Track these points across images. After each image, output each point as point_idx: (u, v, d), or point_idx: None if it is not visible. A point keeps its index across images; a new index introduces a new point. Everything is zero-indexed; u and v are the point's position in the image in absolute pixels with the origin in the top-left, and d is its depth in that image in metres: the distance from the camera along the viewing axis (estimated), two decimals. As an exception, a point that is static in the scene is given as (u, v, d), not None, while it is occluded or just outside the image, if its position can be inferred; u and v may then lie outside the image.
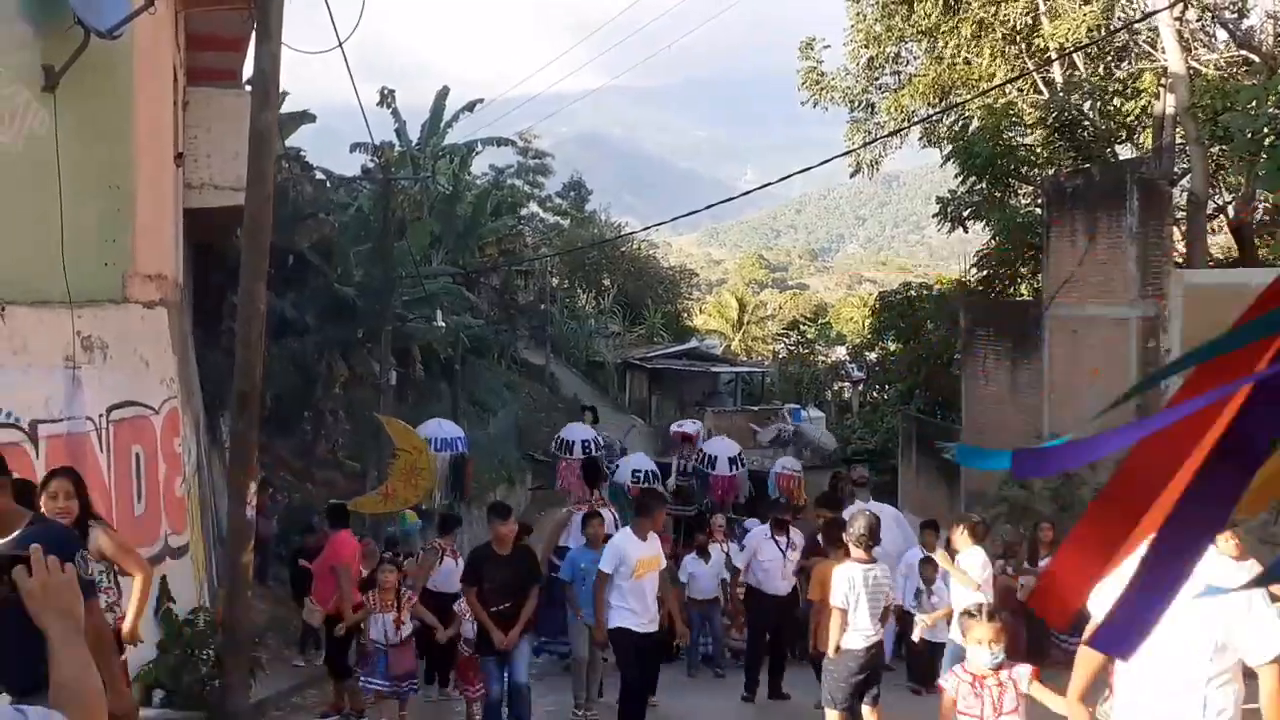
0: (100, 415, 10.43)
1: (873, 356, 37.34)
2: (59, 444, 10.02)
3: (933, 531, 13.66)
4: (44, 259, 9.91)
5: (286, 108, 20.62)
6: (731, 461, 22.32)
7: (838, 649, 9.44)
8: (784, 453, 30.42)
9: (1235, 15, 22.91)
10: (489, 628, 10.32)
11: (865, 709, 9.56)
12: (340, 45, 11.69)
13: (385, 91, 26.52)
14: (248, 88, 12.28)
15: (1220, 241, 22.16)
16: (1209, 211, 20.71)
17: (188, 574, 10.89)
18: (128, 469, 10.62)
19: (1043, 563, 13.83)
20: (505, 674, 10.66)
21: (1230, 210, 21.03)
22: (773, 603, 13.79)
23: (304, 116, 23.69)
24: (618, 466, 21.27)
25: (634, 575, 10.59)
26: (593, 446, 22.01)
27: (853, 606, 9.29)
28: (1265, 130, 17.55)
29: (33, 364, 9.98)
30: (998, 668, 6.55)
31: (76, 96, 10.24)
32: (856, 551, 9.49)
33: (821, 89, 25.65)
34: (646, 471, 20.90)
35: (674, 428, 30.31)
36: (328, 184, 24.73)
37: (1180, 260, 18.78)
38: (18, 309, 9.86)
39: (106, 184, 10.64)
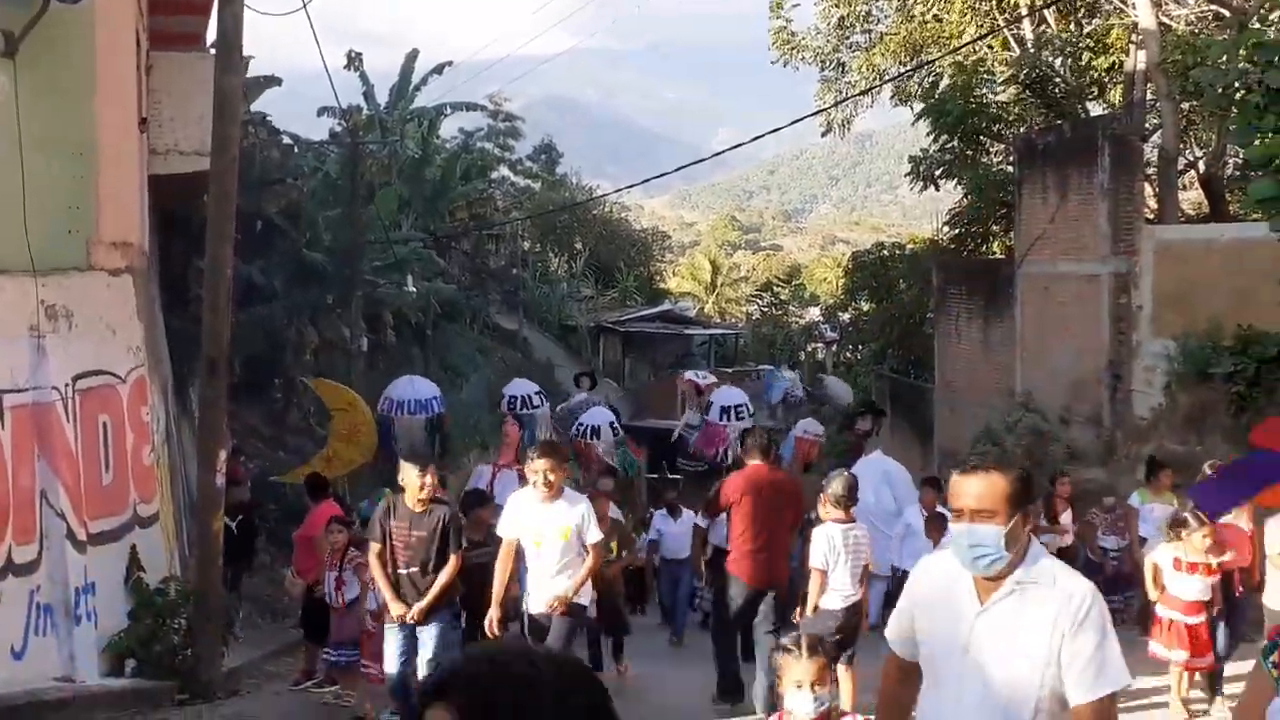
0: (66, 384, 10.36)
1: (846, 317, 37.43)
2: (24, 414, 9.95)
3: (933, 488, 12.59)
4: (6, 227, 9.82)
5: (252, 72, 20.45)
6: (724, 411, 20.73)
7: (815, 609, 9.34)
8: (800, 414, 28.24)
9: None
10: (388, 595, 8.82)
11: (840, 669, 9.04)
12: (304, 7, 11.59)
13: (352, 54, 26.34)
14: (212, 51, 12.13)
15: (1191, 197, 22.25)
16: (1180, 167, 20.77)
17: (158, 543, 10.82)
18: (95, 438, 10.54)
19: (1064, 518, 13.67)
20: (407, 655, 8.88)
21: (1201, 166, 21.10)
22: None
23: (270, 81, 23.48)
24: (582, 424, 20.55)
25: (533, 544, 9.01)
26: (530, 400, 19.78)
27: (832, 567, 9.21)
28: (1236, 85, 17.53)
29: (-2, 332, 9.90)
30: (824, 716, 5.11)
31: (36, 62, 10.13)
32: (835, 512, 9.38)
33: (792, 48, 25.57)
34: (589, 427, 20.10)
35: (688, 376, 28.79)
36: (295, 149, 24.57)
37: (1151, 216, 18.82)
38: (-21, 277, 9.78)
39: (69, 150, 10.55)
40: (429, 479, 8.86)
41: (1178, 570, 9.43)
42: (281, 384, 18.73)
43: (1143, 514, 12.50)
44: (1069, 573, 4.07)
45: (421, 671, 8.53)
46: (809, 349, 47.39)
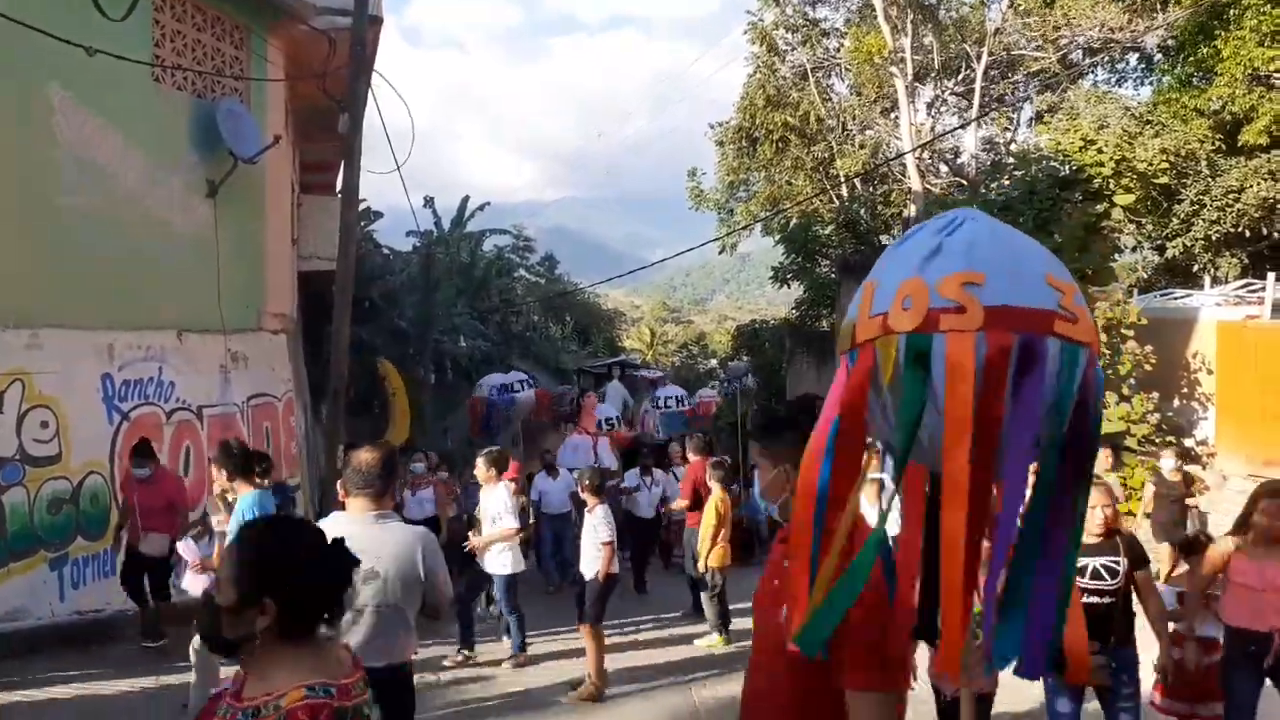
0: (243, 402, 10.34)
1: (731, 364, 37.43)
2: (217, 421, 9.92)
3: None
4: (208, 303, 9.82)
5: (363, 208, 20.44)
6: (666, 399, 19.12)
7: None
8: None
9: (953, 155, 23.42)
10: None
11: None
12: (398, 169, 11.65)
13: (427, 198, 26.39)
14: (339, 196, 12.19)
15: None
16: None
17: (300, 502, 10.78)
18: (261, 436, 10.51)
19: None
20: None
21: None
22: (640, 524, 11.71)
23: (375, 214, 23.53)
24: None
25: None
26: (512, 387, 17.61)
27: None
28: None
29: (200, 370, 9.87)
30: None
31: (229, 200, 10.16)
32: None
33: (700, 200, 25.82)
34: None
35: (643, 373, 28.11)
36: (390, 257, 24.48)
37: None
38: (190, 334, 9.76)
39: (248, 256, 10.57)
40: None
41: None
42: (378, 404, 18.57)
43: None
44: None
45: None
46: (709, 385, 47.42)
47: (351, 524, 3.54)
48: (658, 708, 6.64)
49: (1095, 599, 4.37)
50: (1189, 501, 9.51)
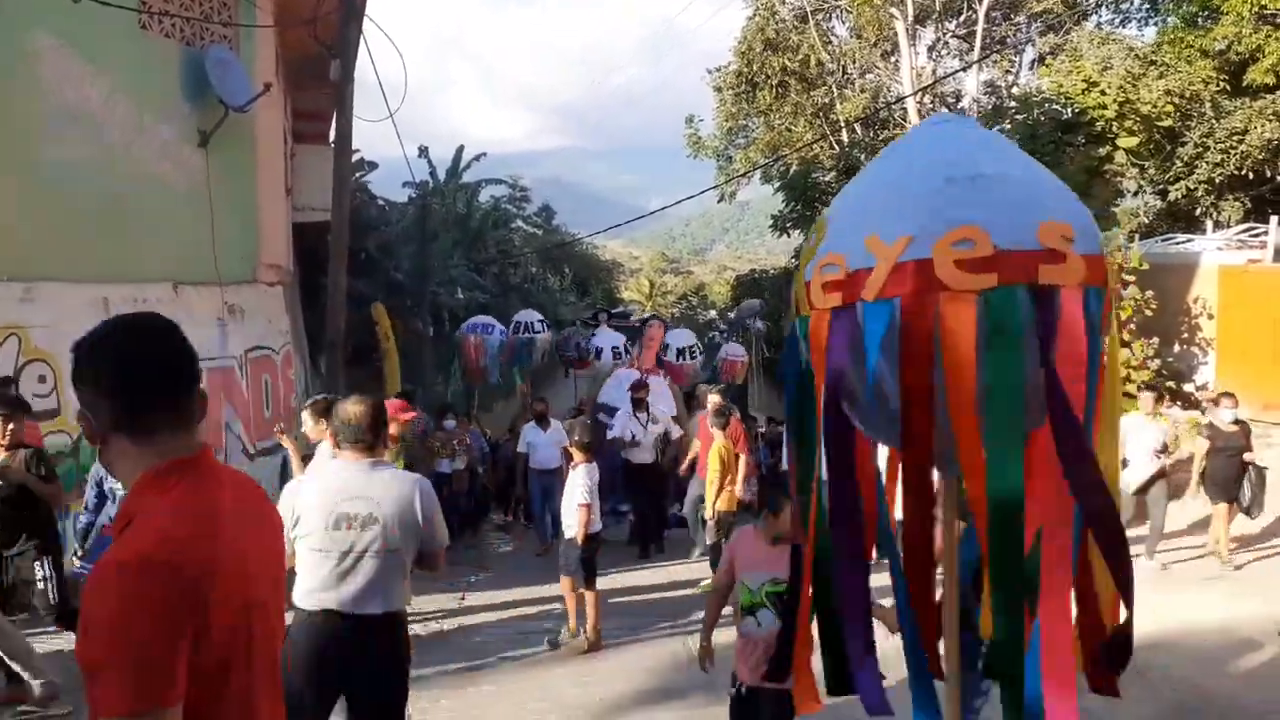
0: (241, 355, 10.30)
1: (731, 315, 37.39)
2: (215, 375, 9.88)
3: None
4: (203, 255, 9.73)
5: (356, 158, 20.23)
6: (679, 351, 15.29)
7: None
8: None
9: (954, 99, 23.12)
10: None
11: None
12: (391, 117, 11.49)
13: (422, 148, 26.07)
14: (331, 145, 12.04)
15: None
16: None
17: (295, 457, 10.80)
18: (259, 389, 10.50)
19: None
20: None
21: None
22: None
23: (369, 164, 23.26)
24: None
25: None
26: (533, 326, 16.07)
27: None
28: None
29: (197, 322, 9.82)
30: None
31: (220, 150, 10.02)
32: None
33: (698, 147, 25.54)
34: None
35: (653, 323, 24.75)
36: (385, 208, 24.26)
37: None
38: (186, 287, 9.68)
39: (241, 207, 10.45)
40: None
41: None
42: (375, 355, 18.54)
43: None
44: None
45: None
46: (708, 335, 47.37)
47: (346, 469, 3.53)
48: (654, 654, 6.65)
49: None
50: (1246, 457, 8.45)
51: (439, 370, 22.26)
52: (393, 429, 5.95)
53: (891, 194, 2.01)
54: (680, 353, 15.59)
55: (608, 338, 15.22)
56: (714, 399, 9.71)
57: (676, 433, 11.10)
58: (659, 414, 10.93)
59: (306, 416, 6.07)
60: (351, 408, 3.55)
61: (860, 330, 1.91)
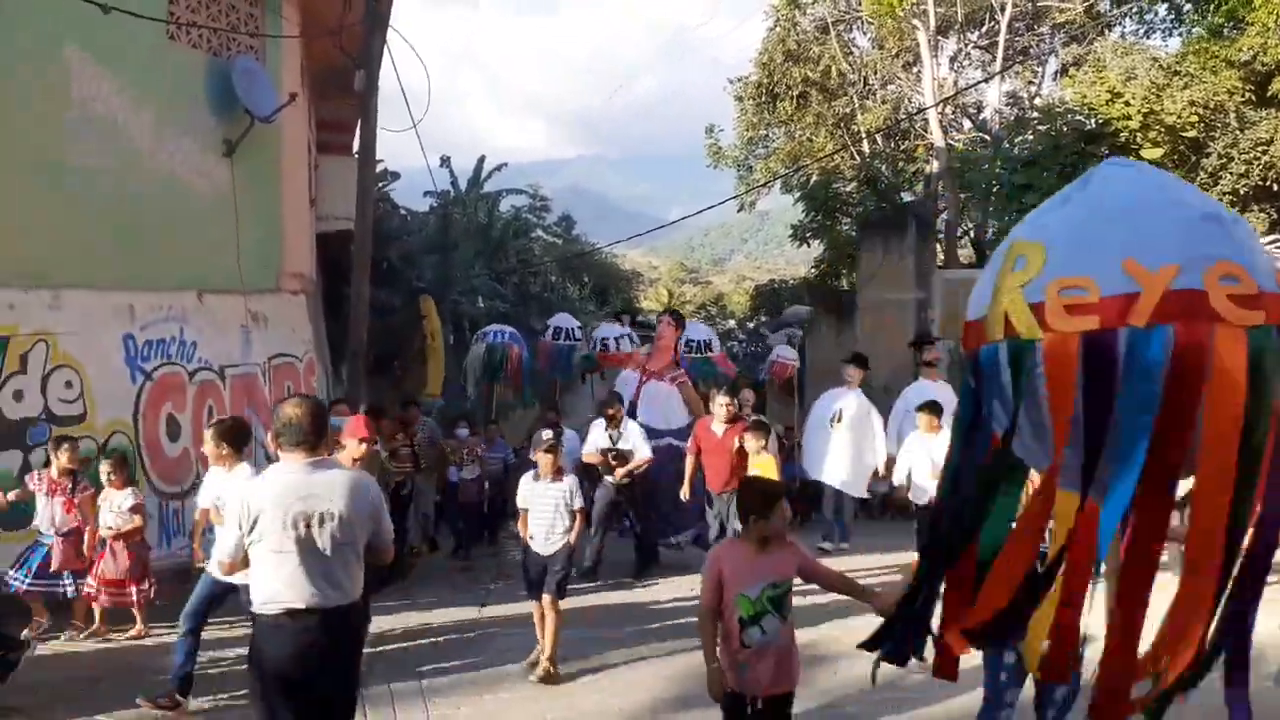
0: (265, 362, 10.38)
1: (750, 325, 37.31)
2: (239, 381, 9.97)
3: (929, 412, 8.40)
4: (227, 264, 9.83)
5: (380, 168, 20.37)
6: (691, 344, 13.20)
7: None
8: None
9: (976, 110, 23.03)
10: None
11: None
12: (415, 128, 11.58)
13: (444, 158, 26.24)
14: (355, 156, 12.13)
15: (966, 253, 22.36)
16: (958, 234, 20.86)
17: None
18: (282, 396, 10.53)
19: None
20: None
21: (972, 233, 21.19)
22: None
23: (392, 175, 23.43)
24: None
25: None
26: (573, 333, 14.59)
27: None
28: (992, 183, 17.70)
29: (221, 330, 9.91)
30: None
31: (245, 159, 10.12)
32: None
33: (718, 157, 25.55)
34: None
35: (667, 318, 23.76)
36: (408, 218, 24.43)
37: (941, 264, 18.89)
38: (210, 295, 9.78)
39: (266, 216, 10.54)
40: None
41: None
42: (398, 364, 18.59)
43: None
44: None
45: None
46: (727, 345, 47.18)
47: (293, 472, 3.57)
48: (672, 665, 6.58)
49: None
50: None
51: (458, 380, 22.31)
52: (354, 452, 5.81)
53: (1138, 224, 2.03)
54: (693, 346, 13.55)
55: (610, 330, 14.11)
56: (722, 400, 8.75)
57: (642, 455, 9.15)
58: (630, 433, 9.26)
59: (208, 437, 5.66)
60: (291, 410, 3.59)
61: (1116, 354, 1.94)
